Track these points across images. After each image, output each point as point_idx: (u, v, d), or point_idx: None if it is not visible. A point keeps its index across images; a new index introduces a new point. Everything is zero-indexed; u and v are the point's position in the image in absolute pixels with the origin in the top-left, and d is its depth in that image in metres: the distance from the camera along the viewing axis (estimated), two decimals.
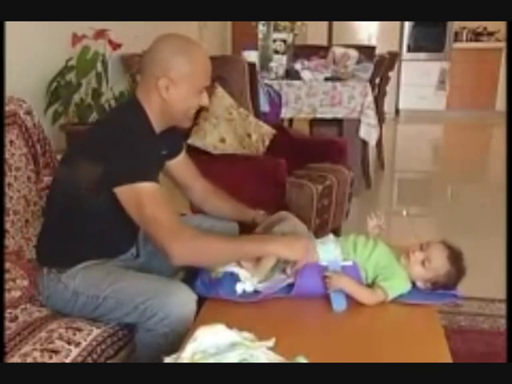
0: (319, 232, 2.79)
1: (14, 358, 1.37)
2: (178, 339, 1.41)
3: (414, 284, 1.59)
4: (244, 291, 1.54)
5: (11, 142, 1.99)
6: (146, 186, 1.50)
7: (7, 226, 1.87)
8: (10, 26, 2.25)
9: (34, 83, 2.43)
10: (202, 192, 1.94)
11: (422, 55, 7.66)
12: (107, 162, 1.50)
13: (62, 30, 2.64)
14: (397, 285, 1.56)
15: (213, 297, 1.54)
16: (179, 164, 1.87)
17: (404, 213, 4.15)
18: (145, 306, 1.49)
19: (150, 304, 1.48)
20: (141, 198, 1.49)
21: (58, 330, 1.48)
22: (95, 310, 1.57)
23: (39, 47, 2.66)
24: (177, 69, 1.56)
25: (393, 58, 4.98)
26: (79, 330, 1.50)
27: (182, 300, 1.49)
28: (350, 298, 1.50)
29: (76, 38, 2.96)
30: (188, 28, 5.29)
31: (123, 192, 1.50)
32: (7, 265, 1.77)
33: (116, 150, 1.51)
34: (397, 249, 1.65)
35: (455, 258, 1.60)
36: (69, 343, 1.43)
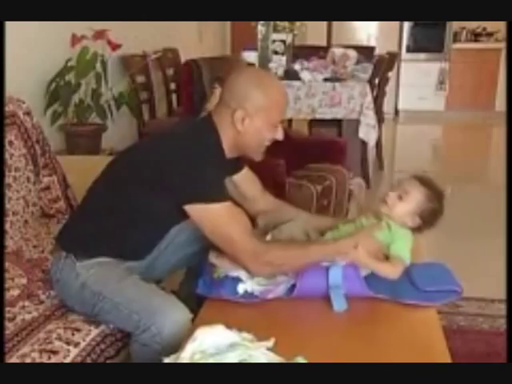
0: None
1: (13, 359, 1.36)
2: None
3: (413, 283, 1.59)
4: (246, 292, 1.54)
5: (10, 142, 1.99)
6: (219, 207, 1.52)
7: (6, 226, 1.88)
8: (11, 27, 2.25)
9: (34, 84, 2.43)
10: (271, 204, 1.93)
11: (422, 56, 7.66)
12: (178, 175, 1.52)
13: (62, 30, 2.64)
14: (401, 244, 1.61)
15: (214, 297, 1.53)
16: (244, 178, 1.88)
17: None
18: (139, 317, 1.49)
19: (144, 316, 1.48)
20: (215, 218, 1.53)
21: (56, 331, 1.48)
22: (94, 308, 1.56)
23: (39, 48, 2.66)
24: (253, 101, 1.57)
25: (392, 59, 4.98)
26: (78, 330, 1.50)
27: (176, 319, 1.48)
28: (350, 299, 1.50)
29: (75, 39, 2.96)
30: (188, 28, 5.30)
31: (197, 211, 1.53)
32: (6, 264, 1.77)
33: (192, 166, 1.52)
34: (378, 213, 1.69)
35: (430, 186, 1.69)
36: (67, 343, 1.43)
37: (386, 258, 1.60)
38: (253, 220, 1.81)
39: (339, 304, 1.49)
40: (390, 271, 1.56)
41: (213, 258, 1.63)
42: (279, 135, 1.66)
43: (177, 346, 1.43)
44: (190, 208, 1.53)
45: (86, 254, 1.61)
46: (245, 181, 1.88)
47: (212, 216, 1.53)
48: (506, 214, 2.26)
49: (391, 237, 1.62)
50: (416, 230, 1.69)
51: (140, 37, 4.23)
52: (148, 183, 1.55)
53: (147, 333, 1.47)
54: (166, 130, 1.81)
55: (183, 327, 1.47)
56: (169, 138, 1.65)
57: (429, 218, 1.66)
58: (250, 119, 1.58)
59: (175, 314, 1.49)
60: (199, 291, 1.57)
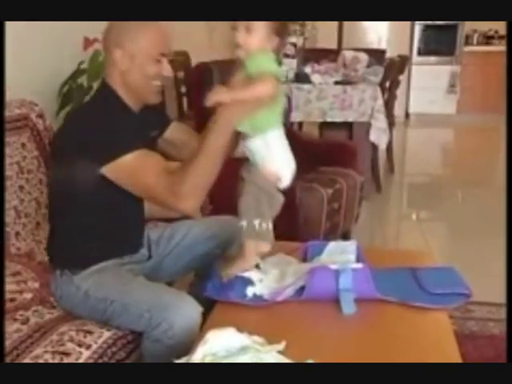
0: (329, 236, 2.79)
1: (26, 360, 1.37)
2: (183, 351, 1.42)
3: (422, 287, 1.58)
4: (255, 295, 1.54)
5: (23, 144, 2.00)
6: (129, 159, 1.50)
7: (19, 228, 1.89)
8: (23, 29, 2.26)
9: (46, 86, 2.44)
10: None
11: (433, 59, 7.64)
12: (88, 149, 1.52)
13: (74, 33, 2.65)
14: (260, 59, 1.49)
15: (223, 300, 1.54)
16: (174, 130, 1.84)
17: (414, 217, 4.14)
18: (149, 315, 1.50)
19: (155, 313, 1.49)
20: (129, 171, 1.51)
21: (68, 333, 1.49)
22: (104, 314, 1.57)
23: (51, 51, 2.67)
24: (129, 37, 1.57)
25: (403, 62, 4.97)
26: (90, 332, 1.51)
27: (186, 312, 1.49)
28: (360, 302, 1.50)
29: (87, 42, 2.97)
30: (198, 32, 5.31)
31: (110, 171, 1.52)
32: (18, 267, 1.78)
33: (93, 134, 1.52)
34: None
35: None
36: (79, 346, 1.44)
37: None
38: None
39: (349, 308, 1.49)
40: (261, 88, 1.45)
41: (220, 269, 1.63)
42: (165, 70, 1.61)
43: (188, 341, 1.45)
44: (104, 171, 1.52)
45: (78, 266, 1.62)
46: (177, 132, 1.85)
47: (125, 170, 1.52)
48: (506, 216, 2.24)
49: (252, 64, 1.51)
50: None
51: None
52: (85, 173, 1.54)
53: (158, 329, 1.48)
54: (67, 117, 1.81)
55: (194, 321, 1.49)
56: (69, 122, 1.68)
57: (282, 28, 1.54)
58: (129, 56, 1.58)
59: (185, 308, 1.50)
60: (208, 294, 1.57)
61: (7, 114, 1.95)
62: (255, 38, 1.50)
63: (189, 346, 1.44)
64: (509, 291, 1.64)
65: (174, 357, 1.33)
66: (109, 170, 1.51)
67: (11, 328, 1.50)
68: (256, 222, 1.55)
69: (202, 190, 1.54)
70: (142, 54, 1.58)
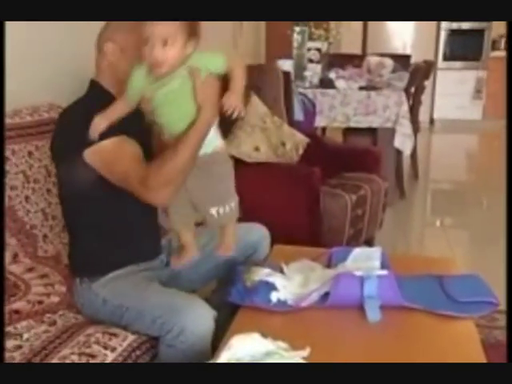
0: (353, 242, 2.78)
1: (54, 361, 1.39)
2: (197, 356, 1.43)
3: (448, 295, 1.57)
4: (279, 300, 1.54)
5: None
6: (105, 144, 1.51)
7: (46, 230, 1.91)
8: (50, 34, 2.29)
9: (73, 90, 2.48)
10: None
11: (458, 64, 7.56)
12: (72, 140, 1.55)
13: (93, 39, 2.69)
14: (204, 59, 1.50)
15: (247, 305, 1.54)
16: None
17: (438, 223, 4.10)
18: (161, 320, 1.51)
19: (167, 319, 1.50)
20: (105, 156, 1.53)
21: (95, 335, 1.50)
22: (121, 320, 1.59)
23: (78, 56, 2.71)
24: (112, 27, 1.60)
25: (429, 67, 4.93)
26: (115, 335, 1.52)
27: (198, 316, 1.49)
28: (385, 310, 1.49)
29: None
30: (222, 37, 5.34)
31: (88, 156, 1.53)
32: (46, 269, 1.80)
33: (73, 124, 1.57)
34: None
35: None
36: (105, 348, 1.45)
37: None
38: None
39: (374, 315, 1.48)
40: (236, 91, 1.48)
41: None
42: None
43: (201, 345, 1.46)
44: (85, 157, 1.53)
45: (96, 274, 1.64)
46: None
47: (102, 155, 1.52)
48: (506, 219, 2.20)
49: (202, 65, 1.49)
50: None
51: None
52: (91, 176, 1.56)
53: (171, 333, 1.49)
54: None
55: (206, 325, 1.49)
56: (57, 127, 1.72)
57: (196, 29, 1.50)
58: (116, 45, 1.59)
59: (197, 311, 1.50)
60: (232, 299, 1.58)
61: (36, 118, 1.99)
62: (175, 50, 1.45)
63: (202, 350, 1.46)
64: (509, 292, 1.63)
65: (187, 361, 1.34)
66: (88, 155, 1.53)
67: (39, 329, 1.52)
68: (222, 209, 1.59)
69: (173, 185, 1.53)
70: (128, 39, 1.58)
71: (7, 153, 1.80)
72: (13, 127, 1.86)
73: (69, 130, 1.60)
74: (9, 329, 1.50)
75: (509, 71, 4.08)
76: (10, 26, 2.02)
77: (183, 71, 1.47)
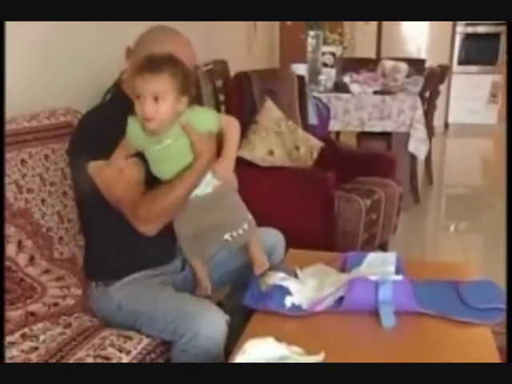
0: (367, 246, 2.77)
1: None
2: (209, 360, 1.43)
3: (464, 301, 1.56)
4: (293, 304, 1.54)
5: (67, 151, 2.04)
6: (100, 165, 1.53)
7: (62, 233, 1.93)
8: (69, 38, 2.32)
9: (91, 95, 2.50)
10: None
11: (474, 68, 7.52)
12: (83, 147, 1.60)
13: (117, 43, 2.71)
14: (199, 118, 1.53)
15: (262, 309, 1.54)
16: None
17: (452, 228, 4.08)
18: (174, 326, 1.51)
19: (179, 324, 1.50)
20: (103, 176, 1.54)
21: (109, 338, 1.51)
22: (135, 324, 1.59)
23: (96, 60, 2.74)
24: (144, 46, 1.62)
25: (444, 72, 4.91)
26: (130, 338, 1.53)
27: (210, 321, 1.49)
28: (399, 315, 1.49)
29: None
30: (237, 40, 5.35)
31: (90, 170, 1.55)
32: (62, 272, 1.82)
33: (86, 132, 1.61)
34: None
35: (159, 64, 1.45)
36: (120, 351, 1.46)
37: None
38: None
39: (388, 321, 1.48)
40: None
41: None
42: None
43: (214, 349, 1.46)
44: (88, 168, 1.55)
45: (112, 278, 1.65)
46: None
47: (102, 174, 1.54)
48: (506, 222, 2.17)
49: (196, 123, 1.52)
50: (191, 102, 1.56)
51: (195, 45, 4.29)
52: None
53: (184, 338, 1.49)
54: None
55: (219, 329, 1.49)
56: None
57: (188, 86, 1.51)
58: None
59: (209, 316, 1.51)
60: (246, 303, 1.58)
61: (53, 121, 2.00)
62: (166, 107, 1.45)
63: (215, 355, 1.46)
64: (509, 292, 1.62)
65: None
66: (90, 169, 1.55)
67: (55, 331, 1.53)
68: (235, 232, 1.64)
69: (162, 220, 1.58)
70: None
71: (24, 156, 1.81)
72: (30, 130, 1.88)
73: (86, 137, 1.61)
74: (25, 330, 1.52)
75: (509, 71, 4.03)
76: (29, 31, 2.05)
77: (176, 129, 1.50)
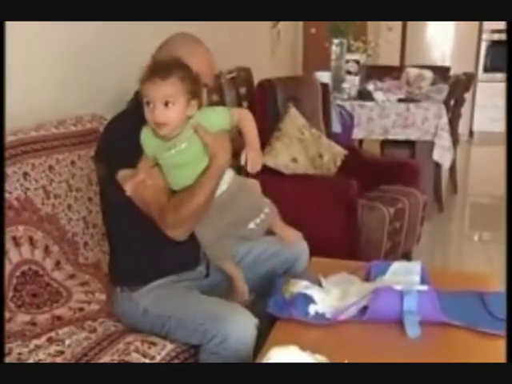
0: (390, 256, 2.75)
1: None
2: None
3: (490, 312, 1.54)
4: (317, 313, 1.53)
5: (92, 157, 2.06)
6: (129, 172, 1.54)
7: (87, 238, 1.94)
8: (95, 48, 2.35)
9: (115, 101, 2.53)
10: None
11: (499, 76, 7.43)
12: (110, 156, 1.62)
13: (142, 51, 2.74)
14: (210, 119, 1.53)
15: (285, 317, 1.54)
16: None
17: (476, 238, 4.03)
18: (204, 328, 1.52)
19: (209, 326, 1.51)
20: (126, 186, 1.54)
21: (134, 343, 1.52)
22: (162, 329, 1.60)
23: (121, 67, 2.77)
24: (165, 50, 1.64)
25: (469, 80, 4.87)
26: (154, 343, 1.54)
27: (240, 323, 1.50)
28: (424, 325, 1.47)
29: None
30: (260, 48, 5.37)
31: (119, 178, 1.55)
32: (87, 277, 1.84)
33: (113, 141, 1.62)
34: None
35: (167, 68, 1.47)
36: (144, 356, 1.47)
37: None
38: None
39: (413, 331, 1.47)
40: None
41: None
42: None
43: (244, 352, 1.46)
44: (118, 176, 1.56)
45: (137, 283, 1.66)
46: None
47: (129, 184, 1.53)
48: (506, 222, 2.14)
49: (208, 124, 1.53)
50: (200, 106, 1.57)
51: (215, 57, 4.32)
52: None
53: (214, 341, 1.50)
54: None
55: (249, 332, 1.50)
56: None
57: (198, 90, 1.52)
58: None
59: (240, 319, 1.51)
60: (270, 311, 1.58)
61: (79, 128, 2.03)
62: (176, 111, 1.46)
63: (245, 358, 1.46)
64: (509, 292, 1.59)
65: None
66: (119, 177, 1.56)
67: (80, 335, 1.55)
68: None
69: (188, 225, 1.59)
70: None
71: (52, 162, 1.84)
72: (57, 137, 1.91)
73: (111, 144, 1.63)
74: (51, 334, 1.53)
75: (509, 71, 3.97)
76: (59, 43, 2.10)
77: (189, 132, 1.51)
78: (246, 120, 1.59)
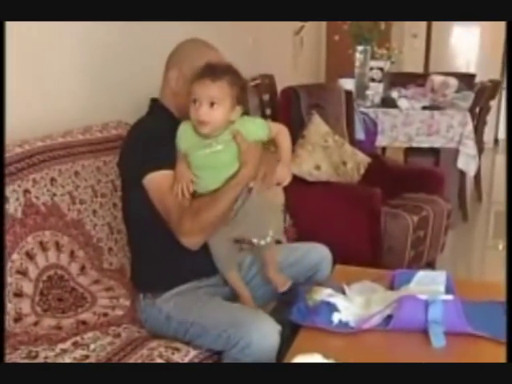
0: (413, 265, 2.73)
1: None
2: None
3: None
4: (340, 321, 1.53)
5: None
6: (158, 175, 1.57)
7: (111, 244, 1.96)
8: (119, 57, 2.38)
9: (140, 108, 2.56)
10: None
11: None
12: (135, 162, 1.63)
13: (161, 62, 2.80)
14: (251, 128, 1.58)
15: (308, 325, 1.53)
16: None
17: (501, 247, 3.98)
18: (227, 334, 1.52)
19: (233, 332, 1.51)
20: (156, 186, 1.57)
21: (157, 349, 1.53)
22: (185, 335, 1.61)
23: (145, 75, 2.80)
24: (189, 61, 1.63)
25: (495, 87, 4.81)
26: (177, 349, 1.54)
27: (264, 330, 1.50)
28: (449, 336, 1.46)
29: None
30: (283, 55, 5.39)
31: (146, 182, 1.58)
32: (111, 282, 1.85)
33: (136, 147, 1.63)
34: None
35: (219, 71, 1.52)
36: (168, 362, 1.47)
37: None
38: None
39: (438, 341, 1.45)
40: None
41: None
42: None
43: (267, 359, 1.46)
44: (144, 181, 1.58)
45: (159, 289, 1.67)
46: None
47: (154, 186, 1.57)
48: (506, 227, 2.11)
49: (246, 132, 1.56)
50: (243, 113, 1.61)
51: (239, 64, 4.34)
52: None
53: (237, 347, 1.50)
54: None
55: (272, 338, 1.50)
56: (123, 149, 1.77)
57: (243, 97, 1.57)
58: (183, 79, 1.63)
59: (262, 325, 1.51)
60: (293, 318, 1.57)
61: (105, 134, 2.05)
62: (220, 112, 1.51)
63: None
64: (509, 292, 1.57)
65: None
66: (146, 181, 1.58)
67: (105, 340, 1.56)
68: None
69: (205, 233, 1.60)
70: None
71: (78, 168, 1.86)
72: (83, 143, 1.94)
73: (133, 153, 1.65)
74: (77, 339, 1.55)
75: (509, 72, 3.91)
76: (84, 53, 2.13)
77: (227, 136, 1.54)
78: (284, 136, 1.65)
